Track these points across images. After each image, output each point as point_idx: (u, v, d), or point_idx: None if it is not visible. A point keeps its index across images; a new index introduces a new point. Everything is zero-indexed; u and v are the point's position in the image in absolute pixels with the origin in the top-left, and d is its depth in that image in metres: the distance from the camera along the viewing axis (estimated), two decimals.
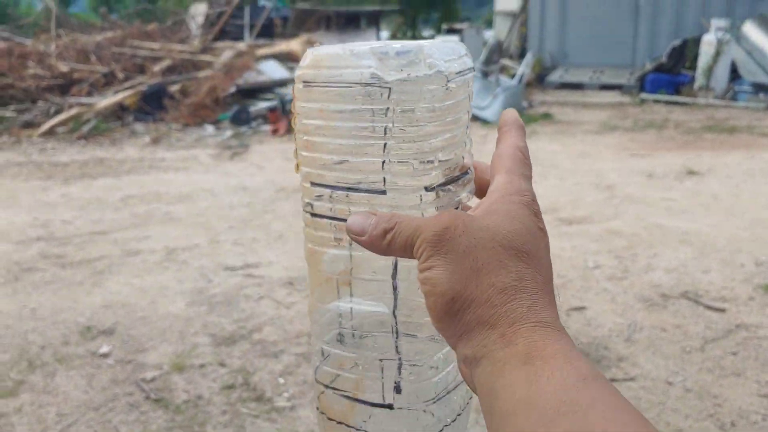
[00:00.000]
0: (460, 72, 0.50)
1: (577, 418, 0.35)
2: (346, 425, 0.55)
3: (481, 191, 0.52)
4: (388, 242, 0.45)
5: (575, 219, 4.40)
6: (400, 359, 0.52)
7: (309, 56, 0.50)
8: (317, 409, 0.57)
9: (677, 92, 10.53)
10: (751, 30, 10.80)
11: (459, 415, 0.56)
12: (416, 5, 21.83)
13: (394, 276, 0.51)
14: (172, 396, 2.38)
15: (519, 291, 0.42)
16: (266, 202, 4.95)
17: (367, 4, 16.08)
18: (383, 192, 0.49)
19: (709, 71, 10.18)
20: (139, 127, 8.15)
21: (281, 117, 8.05)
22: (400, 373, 0.53)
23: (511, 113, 0.53)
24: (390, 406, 0.53)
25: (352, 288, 0.53)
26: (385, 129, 0.48)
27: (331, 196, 0.50)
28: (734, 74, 10.44)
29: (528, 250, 0.43)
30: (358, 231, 0.47)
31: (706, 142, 7.34)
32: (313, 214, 0.51)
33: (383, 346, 0.53)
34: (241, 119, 8.13)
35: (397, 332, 0.52)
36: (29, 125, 7.95)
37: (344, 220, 0.49)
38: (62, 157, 6.71)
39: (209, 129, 8.08)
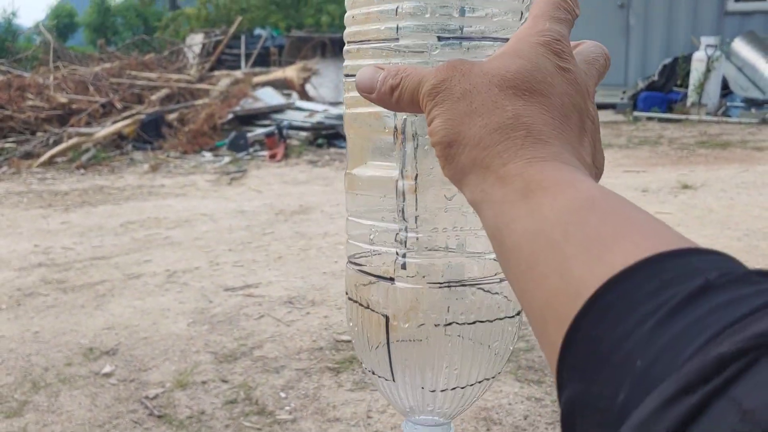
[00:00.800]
0: None
1: (588, 232, 0.33)
2: (353, 300, 0.54)
3: None
4: (396, 100, 0.45)
5: None
6: (406, 227, 0.50)
7: None
8: (346, 294, 0.55)
9: (670, 109, 10.64)
10: (741, 46, 10.95)
11: (487, 321, 0.52)
12: None
13: (403, 131, 0.50)
14: (175, 412, 2.40)
15: (514, 129, 0.39)
16: (265, 225, 4.99)
17: None
18: (396, 39, 0.48)
19: (701, 88, 10.30)
20: (137, 155, 8.22)
21: (278, 142, 8.13)
22: (405, 244, 0.50)
23: None
24: (391, 280, 0.51)
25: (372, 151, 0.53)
26: None
27: (357, 50, 0.52)
28: (726, 90, 10.56)
29: (530, 87, 0.41)
30: (367, 88, 0.46)
31: (699, 157, 7.42)
32: (347, 75, 0.52)
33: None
34: (238, 145, 8.21)
35: (403, 195, 0.50)
36: (29, 156, 8.02)
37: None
38: (62, 186, 6.76)
39: (207, 156, 8.15)
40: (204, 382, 2.61)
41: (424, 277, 0.50)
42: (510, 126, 0.40)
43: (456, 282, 0.51)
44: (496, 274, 0.52)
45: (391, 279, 0.50)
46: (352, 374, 2.62)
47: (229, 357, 2.82)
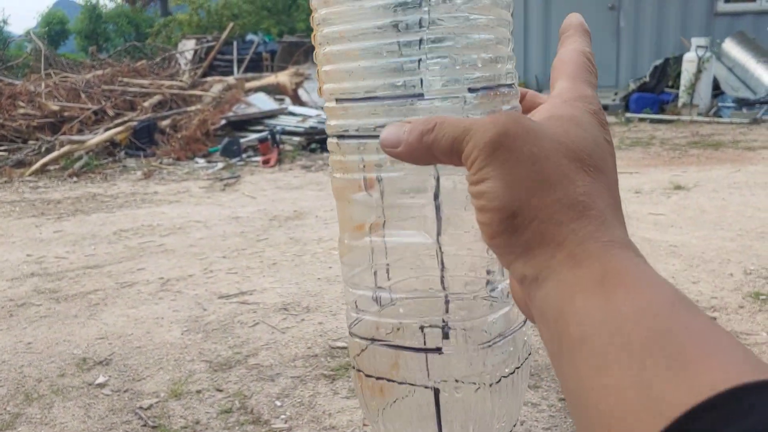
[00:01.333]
0: None
1: (671, 348, 0.31)
2: (388, 380, 0.48)
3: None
4: (428, 145, 0.40)
5: None
6: (446, 295, 0.46)
7: None
8: (353, 368, 0.51)
9: (661, 110, 10.69)
10: (731, 47, 11.01)
11: (521, 365, 0.50)
12: None
13: (436, 196, 0.45)
14: (169, 422, 2.39)
15: (588, 207, 0.37)
16: (259, 231, 4.98)
17: None
18: (420, 95, 0.44)
19: (692, 88, 10.34)
20: (130, 162, 8.20)
21: (272, 148, 8.12)
22: (447, 310, 0.47)
23: (575, 16, 0.48)
24: (438, 350, 0.47)
25: (386, 220, 0.47)
26: (420, 21, 0.43)
27: (358, 109, 0.45)
28: (717, 91, 10.61)
29: (595, 163, 0.39)
30: (393, 142, 0.41)
31: (692, 158, 7.44)
32: (341, 136, 0.46)
33: (427, 282, 0.47)
34: (231, 151, 8.19)
35: (442, 262, 0.46)
36: (21, 164, 7.99)
37: (374, 137, 0.43)
38: (54, 195, 6.74)
39: (200, 162, 8.13)
40: (199, 392, 2.60)
41: (471, 339, 0.47)
42: (583, 204, 0.37)
43: (500, 335, 0.48)
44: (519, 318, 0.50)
45: (438, 350, 0.47)
46: (348, 381, 2.61)
47: (223, 365, 2.81)
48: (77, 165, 7.76)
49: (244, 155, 8.23)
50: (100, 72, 10.73)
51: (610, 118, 11.02)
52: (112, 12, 30.12)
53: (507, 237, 0.38)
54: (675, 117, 10.24)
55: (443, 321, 0.46)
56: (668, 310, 0.32)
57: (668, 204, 5.28)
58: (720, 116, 10.12)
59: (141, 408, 2.49)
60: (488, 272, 0.47)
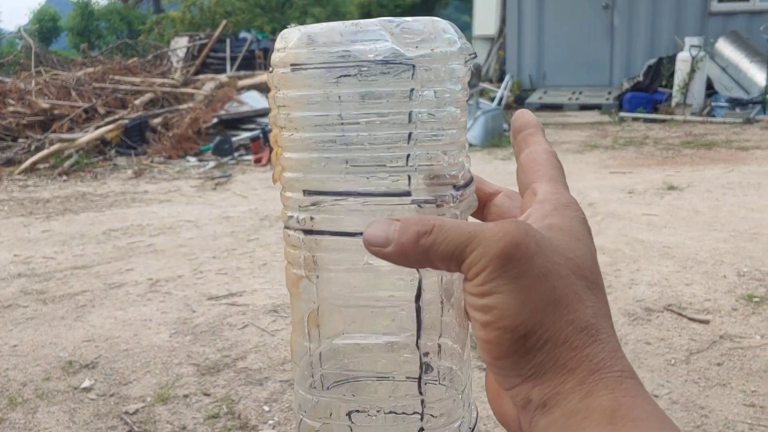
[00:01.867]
0: (471, 53, 0.43)
1: None
2: None
3: (482, 204, 0.46)
4: (424, 249, 0.37)
5: None
6: (423, 401, 0.42)
7: (294, 35, 0.41)
8: None
9: (655, 110, 10.67)
10: (724, 46, 11.01)
11: None
12: None
13: (417, 298, 0.41)
14: (155, 428, 2.35)
15: (598, 332, 0.36)
16: (250, 231, 4.94)
17: None
18: (407, 193, 0.40)
19: (686, 88, 10.33)
20: (121, 161, 8.14)
21: (264, 147, 8.07)
22: (423, 417, 0.42)
23: (528, 114, 0.46)
24: None
25: (351, 319, 0.43)
26: (410, 115, 0.40)
27: (332, 205, 0.41)
28: (710, 90, 10.61)
29: (595, 280, 0.38)
30: (381, 241, 0.37)
31: (685, 158, 7.43)
32: (307, 231, 0.42)
33: (394, 387, 0.43)
34: (223, 150, 8.14)
35: (423, 367, 0.42)
36: (10, 163, 7.91)
37: (353, 234, 0.40)
38: (44, 194, 6.67)
39: (192, 161, 8.08)
40: (186, 396, 2.56)
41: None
42: (595, 328, 0.36)
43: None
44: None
45: None
46: None
47: (211, 369, 2.77)
48: (67, 163, 7.70)
49: (235, 154, 8.18)
50: (91, 69, 10.65)
51: (604, 117, 11.01)
52: (104, 9, 29.95)
53: (516, 359, 0.36)
54: (668, 116, 10.23)
55: (420, 426, 0.42)
56: None
57: (661, 204, 5.26)
58: (713, 116, 10.11)
59: (127, 413, 2.45)
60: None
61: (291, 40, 0.41)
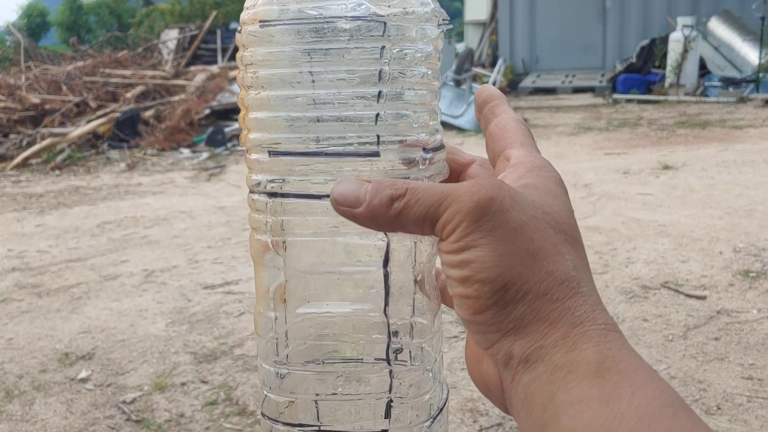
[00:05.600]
0: (445, 18, 0.42)
1: None
2: None
3: (455, 174, 0.45)
4: (396, 212, 0.36)
5: None
6: (391, 371, 0.41)
7: None
8: None
9: (648, 91, 10.66)
10: (717, 26, 10.99)
11: None
12: None
13: (385, 263, 0.40)
14: (153, 416, 2.34)
15: (579, 284, 0.35)
16: (244, 220, 4.91)
17: None
18: (376, 154, 0.39)
19: (679, 68, 10.32)
20: (114, 154, 8.10)
21: None
22: (391, 389, 0.41)
23: (491, 87, 0.46)
24: None
25: (317, 286, 0.42)
26: (380, 73, 0.39)
27: (298, 166, 0.40)
28: (703, 70, 10.59)
29: (574, 235, 0.37)
30: (351, 201, 0.36)
31: (679, 138, 7.42)
32: (273, 194, 0.40)
33: (361, 356, 0.42)
34: (216, 140, 8.11)
35: (391, 334, 0.41)
36: (2, 159, 7.87)
37: (319, 197, 0.39)
38: (37, 188, 6.64)
39: (185, 152, 8.04)
40: (183, 384, 2.55)
41: (419, 417, 0.43)
42: (575, 279, 0.35)
43: (437, 411, 0.44)
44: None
45: None
46: None
47: (208, 357, 2.76)
48: (59, 158, 7.66)
49: (229, 144, 8.15)
50: (81, 63, 10.58)
51: (597, 100, 10.98)
52: (93, 3, 29.72)
53: (495, 312, 0.34)
54: (662, 97, 10.22)
55: (388, 397, 0.41)
56: (670, 413, 0.30)
57: (656, 184, 5.25)
58: (707, 96, 10.10)
59: (124, 402, 2.44)
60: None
61: None
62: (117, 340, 2.98)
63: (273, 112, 0.40)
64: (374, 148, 0.39)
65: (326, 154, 0.39)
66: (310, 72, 0.39)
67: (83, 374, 2.68)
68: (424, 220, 0.36)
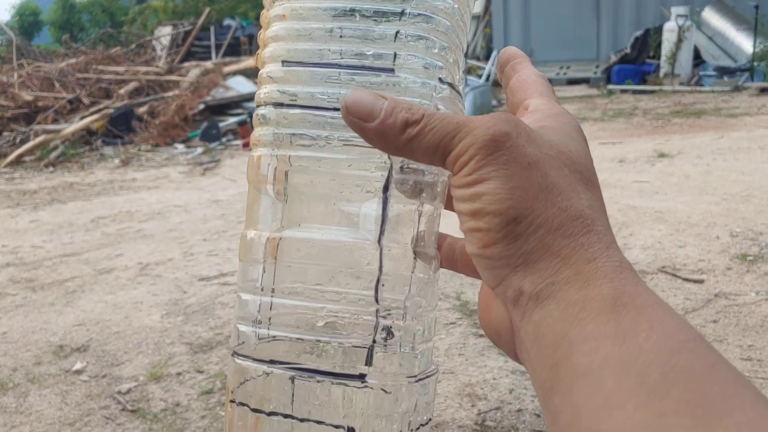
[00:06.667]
0: None
1: (693, 393, 0.27)
2: (285, 416, 0.38)
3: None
4: (409, 137, 0.35)
5: None
6: (377, 310, 0.38)
7: None
8: (232, 402, 0.41)
9: (643, 81, 10.65)
10: (711, 15, 10.98)
11: (430, 418, 0.42)
12: None
13: (385, 188, 0.38)
14: (149, 405, 2.32)
15: (594, 222, 0.33)
16: (240, 214, 4.89)
17: None
18: (390, 71, 0.38)
19: (673, 58, 10.31)
20: (108, 150, 8.06)
21: (251, 131, 8.01)
22: (376, 330, 0.38)
23: (513, 48, 0.45)
24: (362, 377, 0.38)
25: (311, 209, 0.39)
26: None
27: (309, 75, 0.38)
28: (698, 60, 10.59)
29: (591, 177, 0.36)
30: (364, 113, 0.35)
31: (675, 126, 7.41)
32: (278, 104, 0.39)
33: (352, 293, 0.39)
34: (211, 135, 8.07)
35: (381, 269, 0.38)
36: None
37: (328, 109, 0.37)
38: (31, 185, 6.60)
39: (180, 148, 8.01)
40: (179, 374, 2.53)
41: (402, 369, 0.39)
42: (591, 218, 0.33)
43: (425, 373, 0.41)
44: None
45: (361, 376, 0.38)
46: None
47: (204, 347, 2.74)
48: (53, 155, 7.62)
49: (223, 139, 8.12)
50: (73, 60, 10.53)
51: (592, 91, 10.97)
52: (85, 1, 29.60)
53: (505, 245, 0.33)
54: (657, 87, 10.21)
55: (373, 341, 0.38)
56: (690, 347, 0.29)
57: (652, 171, 5.24)
58: (701, 85, 10.10)
59: (119, 392, 2.42)
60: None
61: None
62: (112, 332, 2.95)
63: (292, 22, 0.39)
64: (390, 65, 0.37)
65: (340, 66, 0.37)
66: None
67: (78, 366, 2.66)
68: (435, 150, 0.35)
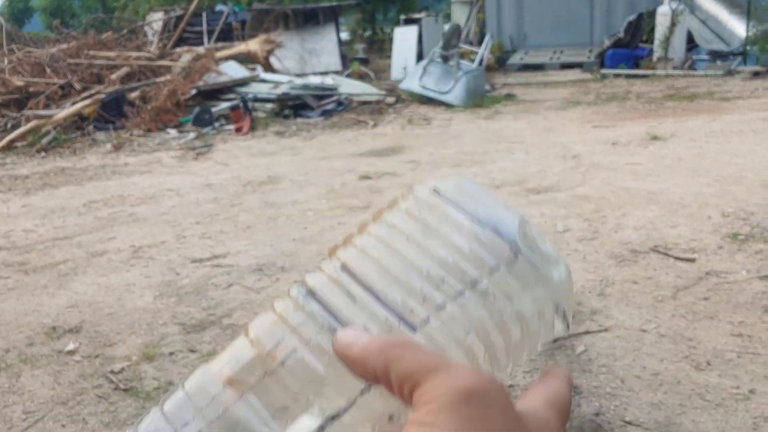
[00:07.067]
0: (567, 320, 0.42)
1: None
2: None
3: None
4: (388, 360, 0.34)
5: (543, 188, 4.41)
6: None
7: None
8: None
9: (636, 65, 10.64)
10: None
11: None
12: (374, 0, 21.79)
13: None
14: (141, 384, 2.32)
15: None
16: (233, 197, 4.88)
17: (324, 0, 16.01)
18: (413, 328, 0.37)
19: (666, 42, 10.30)
20: (100, 135, 8.01)
21: (244, 115, 7.97)
22: None
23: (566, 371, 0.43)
24: None
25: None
26: (474, 282, 0.38)
27: (349, 292, 0.39)
28: (691, 44, 10.58)
29: None
30: (348, 341, 0.36)
31: (667, 110, 7.42)
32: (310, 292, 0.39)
33: None
34: (203, 120, 8.04)
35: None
36: None
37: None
38: (22, 170, 6.57)
39: (172, 132, 7.97)
40: (171, 354, 2.53)
41: None
42: None
43: None
44: None
45: None
46: None
47: (197, 327, 2.74)
48: (45, 140, 7.57)
49: (216, 124, 8.08)
50: (65, 46, 10.44)
51: (585, 75, 10.96)
52: None
53: None
54: (650, 71, 10.20)
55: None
56: None
57: (645, 154, 5.25)
58: (695, 69, 10.09)
59: (112, 372, 2.42)
60: None
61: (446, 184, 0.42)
62: (104, 314, 2.95)
63: (367, 248, 0.40)
64: (414, 322, 0.38)
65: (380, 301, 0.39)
66: (419, 246, 0.39)
67: (71, 347, 2.66)
68: (409, 379, 0.33)
